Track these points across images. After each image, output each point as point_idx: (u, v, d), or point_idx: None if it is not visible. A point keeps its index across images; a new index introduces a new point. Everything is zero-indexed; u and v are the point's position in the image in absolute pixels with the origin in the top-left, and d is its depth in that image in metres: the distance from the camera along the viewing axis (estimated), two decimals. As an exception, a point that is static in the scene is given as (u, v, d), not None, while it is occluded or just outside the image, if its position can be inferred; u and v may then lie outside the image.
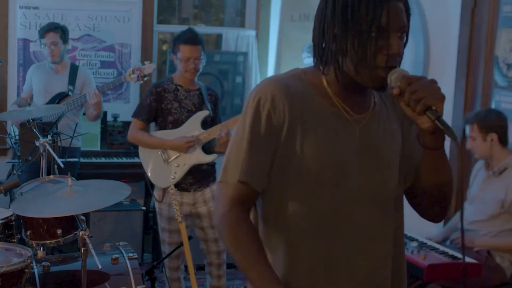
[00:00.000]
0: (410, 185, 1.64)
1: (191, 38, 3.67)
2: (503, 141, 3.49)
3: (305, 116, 1.53)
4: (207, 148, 3.74)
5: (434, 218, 1.67)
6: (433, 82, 1.43)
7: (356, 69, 1.49)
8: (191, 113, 3.68)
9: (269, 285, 1.46)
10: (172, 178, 3.66)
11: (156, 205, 3.79)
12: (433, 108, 1.40)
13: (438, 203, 1.62)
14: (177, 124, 3.68)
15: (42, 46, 4.49)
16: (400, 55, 1.49)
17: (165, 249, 3.75)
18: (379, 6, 1.44)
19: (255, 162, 1.53)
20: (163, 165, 3.70)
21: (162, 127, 3.72)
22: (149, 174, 3.75)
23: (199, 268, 4.68)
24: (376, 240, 1.60)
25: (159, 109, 3.69)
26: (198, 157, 3.67)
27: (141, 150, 3.77)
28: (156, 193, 3.74)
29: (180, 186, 3.67)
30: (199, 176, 3.70)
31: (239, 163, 1.54)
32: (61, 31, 4.49)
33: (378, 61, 1.47)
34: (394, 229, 1.64)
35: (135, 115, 3.76)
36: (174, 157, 3.68)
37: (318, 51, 1.55)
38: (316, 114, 1.54)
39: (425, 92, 1.40)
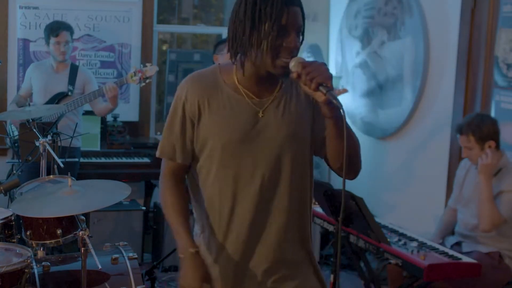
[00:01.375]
0: (325, 153, 1.99)
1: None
2: (498, 145, 3.48)
3: (211, 103, 1.92)
4: None
5: (348, 177, 1.95)
6: (323, 64, 1.79)
7: (263, 60, 1.84)
8: None
9: (180, 236, 1.94)
10: None
11: None
12: (324, 84, 1.75)
13: (350, 164, 1.91)
14: None
15: (53, 44, 4.49)
16: (297, 49, 1.85)
17: None
18: (280, 9, 1.80)
19: (175, 142, 1.97)
20: None
21: None
22: None
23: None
24: (271, 210, 1.95)
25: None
26: None
27: None
28: None
29: None
30: None
31: (165, 143, 1.99)
32: (71, 30, 4.55)
33: (280, 53, 1.83)
34: (292, 198, 1.97)
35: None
36: None
37: (231, 46, 1.89)
38: (221, 100, 1.92)
39: (316, 72, 1.76)
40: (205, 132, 1.93)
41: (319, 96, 1.77)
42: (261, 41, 1.82)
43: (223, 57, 3.73)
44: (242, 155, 1.92)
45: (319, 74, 1.75)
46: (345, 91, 4.17)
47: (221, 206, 1.95)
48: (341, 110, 1.75)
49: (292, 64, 1.80)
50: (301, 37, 1.89)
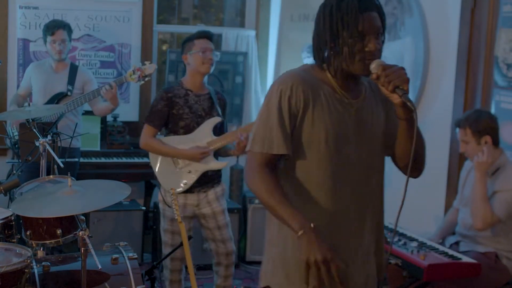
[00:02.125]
0: (393, 152, 2.13)
1: (206, 33, 3.74)
2: (495, 142, 3.47)
3: (315, 100, 2.01)
4: (221, 152, 3.74)
5: (413, 175, 2.08)
6: (401, 68, 1.90)
7: (347, 64, 1.98)
8: (201, 118, 3.68)
9: (292, 216, 1.91)
10: (184, 184, 3.67)
11: (161, 206, 3.79)
12: (400, 87, 1.88)
13: (414, 164, 2.01)
14: (188, 129, 3.67)
15: (49, 43, 4.49)
16: (378, 51, 1.97)
17: (166, 251, 3.73)
18: (355, 17, 1.93)
19: (278, 135, 1.99)
20: (174, 170, 3.69)
21: (173, 132, 3.70)
22: (158, 178, 3.73)
23: (199, 268, 4.70)
24: (367, 197, 2.09)
25: (170, 115, 3.66)
26: (210, 164, 3.68)
27: (151, 154, 3.75)
28: (167, 198, 3.69)
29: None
30: (204, 180, 3.70)
31: (265, 137, 2.00)
32: (68, 29, 4.52)
33: (361, 57, 1.96)
34: (379, 193, 2.14)
35: (147, 121, 3.71)
36: (186, 163, 3.67)
37: (318, 55, 2.05)
38: (324, 98, 2.02)
39: (394, 76, 1.88)
40: (310, 127, 2.00)
41: (395, 98, 1.91)
42: (342, 48, 1.96)
43: (192, 56, 3.68)
44: (343, 150, 2.02)
45: (397, 77, 1.87)
46: None
47: (320, 200, 2.02)
48: (414, 114, 1.89)
49: (373, 66, 1.92)
50: (382, 38, 2.00)
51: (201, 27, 5.81)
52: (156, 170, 3.74)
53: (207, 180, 3.72)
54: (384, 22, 2.01)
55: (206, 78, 3.77)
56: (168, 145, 3.66)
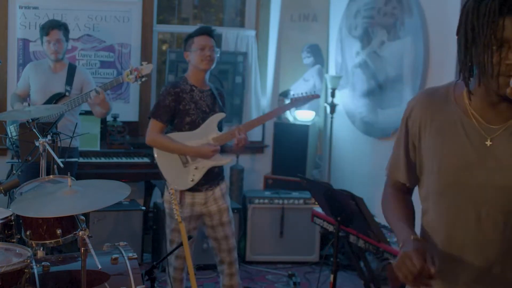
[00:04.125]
0: None
1: (205, 29, 3.73)
2: None
3: (435, 122, 1.76)
4: (222, 149, 3.75)
5: None
6: None
7: (484, 81, 1.63)
8: (205, 114, 3.68)
9: (400, 231, 1.77)
10: (191, 180, 3.66)
11: (166, 205, 3.76)
12: None
13: None
14: (193, 125, 3.66)
15: (45, 43, 4.48)
16: None
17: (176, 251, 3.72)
18: (494, 20, 1.58)
19: (399, 162, 1.87)
20: (181, 167, 3.68)
21: (178, 128, 3.68)
22: (165, 175, 3.70)
23: (199, 268, 4.70)
24: (499, 250, 1.72)
25: (177, 110, 3.65)
26: (216, 160, 3.68)
27: (157, 151, 3.71)
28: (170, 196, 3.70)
29: (192, 187, 3.67)
30: (210, 177, 3.70)
31: (391, 161, 1.93)
32: (64, 28, 4.51)
33: (501, 70, 1.60)
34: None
35: (154, 116, 3.66)
36: (193, 160, 3.67)
37: (461, 66, 1.70)
38: (446, 120, 1.74)
39: None
40: (424, 154, 1.79)
41: None
42: (477, 59, 1.62)
43: (192, 54, 3.68)
44: (461, 184, 1.71)
45: None
46: (316, 96, 3.98)
47: (434, 236, 1.79)
48: None
49: None
50: None
51: (201, 27, 5.82)
52: (163, 167, 3.70)
53: (213, 177, 3.72)
54: None
55: (208, 74, 3.77)
56: (177, 142, 3.64)
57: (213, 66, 3.72)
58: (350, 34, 5.30)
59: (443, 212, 1.76)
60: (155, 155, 3.73)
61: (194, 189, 3.68)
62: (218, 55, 3.74)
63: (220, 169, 3.76)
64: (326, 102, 5.52)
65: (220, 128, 3.76)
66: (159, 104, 3.67)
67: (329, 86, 5.35)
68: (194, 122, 3.66)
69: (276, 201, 5.16)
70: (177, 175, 3.68)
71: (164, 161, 3.70)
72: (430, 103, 1.78)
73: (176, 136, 3.68)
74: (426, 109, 1.78)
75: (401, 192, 1.93)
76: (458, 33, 1.69)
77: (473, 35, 1.62)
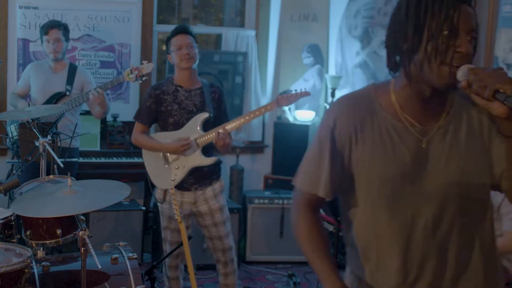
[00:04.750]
0: (499, 186, 1.67)
1: (179, 28, 3.74)
2: None
3: (365, 131, 1.64)
4: (209, 149, 3.73)
5: None
6: (499, 68, 1.50)
7: (426, 66, 1.55)
8: (192, 114, 3.68)
9: (327, 275, 1.68)
10: (172, 180, 3.68)
11: (158, 204, 3.81)
12: (501, 91, 1.45)
13: None
14: (177, 125, 3.68)
15: (44, 43, 4.49)
16: (469, 55, 1.57)
17: (167, 247, 3.77)
18: (452, 7, 1.53)
19: (321, 175, 1.70)
20: (163, 167, 3.72)
21: (163, 128, 3.73)
22: (150, 176, 3.77)
23: (199, 268, 4.70)
24: (448, 255, 1.66)
25: (158, 111, 3.69)
26: (197, 159, 3.68)
27: (144, 152, 3.82)
28: (157, 195, 3.76)
29: (181, 185, 3.68)
30: (200, 177, 3.71)
31: (308, 175, 1.74)
32: (64, 28, 4.51)
33: (447, 58, 1.54)
34: (463, 246, 1.68)
35: (136, 117, 3.78)
36: (174, 159, 3.70)
37: (389, 60, 1.64)
38: (377, 128, 1.64)
39: (491, 78, 1.47)
40: (358, 166, 1.66)
41: (496, 108, 1.48)
42: (426, 43, 1.54)
43: (172, 55, 3.69)
44: (402, 193, 1.63)
45: (495, 78, 1.46)
46: (306, 94, 3.86)
47: (378, 251, 1.69)
48: None
49: (460, 73, 1.53)
50: (474, 43, 1.60)
51: (201, 27, 5.82)
52: (147, 167, 3.79)
53: (204, 176, 3.71)
54: (477, 22, 1.60)
55: (194, 73, 3.74)
56: (154, 140, 3.72)
57: (196, 62, 3.70)
58: (350, 34, 5.30)
59: (384, 225, 1.65)
60: (142, 155, 3.82)
61: (183, 187, 3.69)
62: (196, 51, 3.71)
63: (211, 168, 3.73)
64: (326, 102, 5.52)
65: (214, 127, 3.72)
66: (141, 106, 3.79)
67: (329, 86, 5.34)
68: (177, 123, 3.68)
69: (276, 201, 5.16)
70: (160, 174, 3.73)
71: (148, 161, 3.78)
72: (355, 112, 1.66)
73: (159, 136, 3.74)
74: (353, 119, 1.65)
75: (315, 213, 1.78)
76: (399, 14, 1.60)
77: (425, 17, 1.54)
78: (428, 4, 1.54)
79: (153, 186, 3.83)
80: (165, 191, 3.71)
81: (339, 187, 1.71)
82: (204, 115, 3.69)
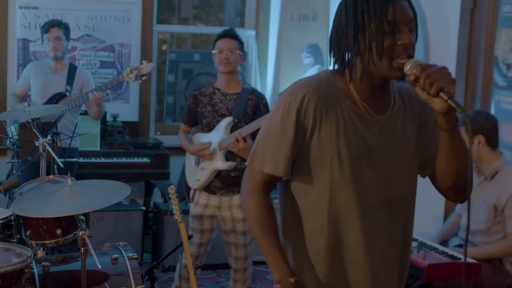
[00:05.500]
0: (433, 172, 1.82)
1: (225, 32, 3.75)
2: (491, 143, 3.42)
3: (329, 114, 1.72)
4: (234, 153, 3.66)
5: (457, 199, 1.84)
6: (445, 68, 1.61)
7: (375, 65, 1.66)
8: (223, 117, 3.66)
9: (276, 262, 1.75)
10: (197, 180, 3.71)
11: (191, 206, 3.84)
12: (445, 90, 1.57)
13: (459, 184, 1.75)
14: (209, 127, 3.69)
15: (45, 41, 4.49)
16: (412, 45, 1.66)
17: (192, 250, 3.69)
18: (384, 3, 1.63)
19: (281, 155, 1.74)
20: (194, 166, 3.78)
21: (202, 129, 3.79)
22: (186, 172, 3.88)
23: (199, 268, 4.69)
24: (385, 236, 1.79)
25: (196, 112, 3.74)
26: (217, 163, 3.66)
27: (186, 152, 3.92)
28: (186, 193, 3.89)
29: (208, 188, 3.69)
30: (227, 182, 3.66)
31: (267, 155, 1.76)
32: (64, 27, 4.52)
33: (394, 52, 1.65)
34: (404, 227, 1.83)
35: (182, 117, 3.88)
36: (202, 160, 3.73)
37: (338, 58, 1.75)
38: (340, 112, 1.73)
39: (438, 76, 1.57)
40: (317, 149, 1.73)
41: (438, 104, 1.59)
42: (370, 43, 1.65)
43: (214, 57, 3.68)
44: (358, 175, 1.74)
45: (441, 77, 1.57)
46: None
47: (329, 231, 1.77)
48: (466, 119, 1.56)
49: (408, 67, 1.63)
50: (415, 34, 1.70)
51: (200, 27, 5.82)
52: (185, 164, 3.90)
53: (231, 182, 3.65)
54: (416, 15, 1.71)
55: (236, 77, 3.73)
56: (185, 140, 3.80)
57: (235, 68, 3.68)
58: (350, 34, 5.30)
59: (340, 205, 1.75)
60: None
61: (210, 190, 3.69)
62: (238, 56, 3.67)
63: (240, 175, 3.55)
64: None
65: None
66: (186, 106, 3.87)
67: (329, 86, 5.33)
68: (209, 124, 3.69)
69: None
70: (190, 172, 3.82)
71: (187, 158, 3.88)
72: (321, 95, 1.73)
73: (195, 136, 3.82)
74: (320, 100, 1.72)
75: (267, 196, 1.83)
76: (340, 18, 1.70)
77: (363, 20, 1.65)
78: (363, 7, 1.65)
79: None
80: (195, 191, 3.77)
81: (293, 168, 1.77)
82: (228, 119, 3.65)
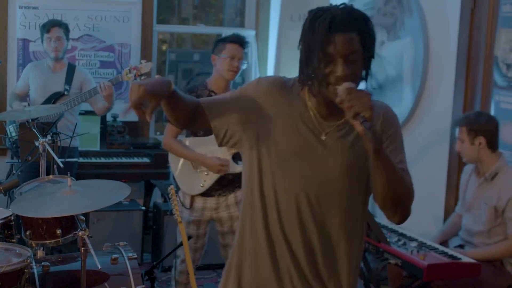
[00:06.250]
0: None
1: (240, 39, 3.66)
2: (491, 145, 3.43)
3: (281, 108, 1.88)
4: (239, 156, 3.64)
5: (391, 219, 1.88)
6: (367, 94, 1.73)
7: (317, 88, 1.81)
8: None
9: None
10: (201, 186, 3.59)
11: (175, 210, 3.73)
12: (361, 114, 1.69)
13: (392, 205, 1.83)
14: (208, 131, 3.60)
15: (45, 41, 4.49)
16: (347, 76, 1.77)
17: (181, 253, 3.64)
18: (326, 38, 1.76)
19: (216, 101, 1.96)
20: (192, 172, 3.62)
21: (194, 133, 3.63)
22: (177, 180, 3.66)
23: (199, 268, 4.69)
24: (325, 239, 1.88)
25: None
26: (228, 166, 3.57)
27: (170, 155, 3.69)
28: (184, 201, 3.64)
29: (205, 192, 3.61)
30: (224, 184, 3.62)
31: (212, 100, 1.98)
32: (65, 27, 4.53)
33: (330, 80, 1.79)
34: (343, 230, 1.89)
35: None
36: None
37: (299, 72, 1.88)
38: (290, 110, 1.88)
39: (357, 101, 1.70)
40: (263, 132, 1.88)
41: (357, 126, 1.71)
42: (313, 70, 1.79)
43: (220, 59, 3.61)
44: (291, 169, 1.86)
45: (359, 103, 1.69)
46: None
47: (261, 214, 1.89)
48: (371, 145, 1.70)
49: (340, 89, 1.76)
50: (360, 58, 1.82)
51: (200, 27, 5.82)
52: (175, 171, 3.67)
53: (228, 183, 3.62)
54: (368, 41, 1.86)
55: (231, 84, 3.69)
56: (188, 148, 3.58)
57: (237, 75, 3.66)
58: (350, 34, 5.30)
59: (271, 193, 1.87)
60: (169, 158, 3.72)
61: (206, 193, 3.61)
62: (244, 68, 3.67)
63: (235, 176, 3.59)
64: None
65: None
66: None
67: (329, 86, 5.34)
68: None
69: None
70: (188, 179, 3.63)
71: (175, 164, 3.67)
72: (281, 88, 1.91)
73: (190, 141, 3.62)
74: (277, 92, 1.90)
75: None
76: (299, 45, 1.87)
77: (309, 50, 1.80)
78: (310, 39, 1.79)
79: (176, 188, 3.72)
80: (193, 197, 3.62)
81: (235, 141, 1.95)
82: None
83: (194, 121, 1.98)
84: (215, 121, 1.95)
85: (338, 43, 1.77)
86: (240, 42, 3.64)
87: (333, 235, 1.88)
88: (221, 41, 3.67)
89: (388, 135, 1.89)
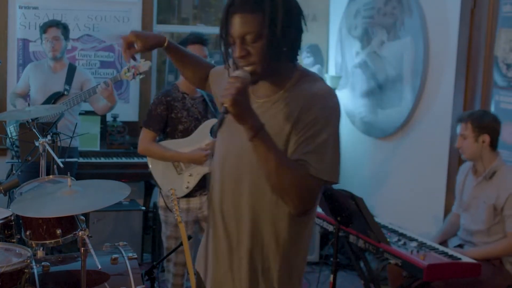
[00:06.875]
0: None
1: (198, 38, 3.73)
2: (494, 144, 3.44)
3: (221, 83, 2.01)
4: None
5: (291, 210, 1.87)
6: (236, 84, 1.72)
7: (234, 68, 1.86)
8: (198, 121, 3.64)
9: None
10: (186, 188, 3.62)
11: (162, 213, 3.72)
12: (225, 104, 1.72)
13: (280, 194, 1.84)
14: (186, 133, 3.63)
15: (44, 41, 4.50)
16: (242, 57, 1.80)
17: (172, 256, 3.68)
18: (225, 20, 1.82)
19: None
20: (175, 175, 3.64)
21: (171, 136, 3.65)
22: (159, 184, 3.67)
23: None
24: (234, 215, 1.96)
25: (169, 119, 3.62)
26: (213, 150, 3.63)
27: (151, 160, 3.68)
28: (167, 202, 3.65)
29: (187, 193, 3.64)
30: (203, 182, 3.66)
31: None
32: (63, 27, 4.52)
33: (236, 61, 1.85)
34: (256, 215, 1.92)
35: (146, 125, 3.63)
36: (187, 167, 3.63)
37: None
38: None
39: (227, 90, 1.72)
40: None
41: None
42: (223, 54, 1.88)
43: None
44: (219, 141, 2.03)
45: (226, 91, 1.73)
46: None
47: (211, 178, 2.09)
48: (248, 134, 1.74)
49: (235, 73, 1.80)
50: (261, 42, 1.80)
51: (200, 27, 5.81)
52: (157, 176, 3.68)
53: (207, 182, 3.67)
54: (276, 19, 1.84)
55: None
56: (171, 150, 3.61)
57: None
58: (350, 34, 5.30)
59: (218, 169, 2.01)
60: (149, 164, 3.69)
61: (189, 194, 3.64)
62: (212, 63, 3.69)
63: None
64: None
65: (212, 134, 3.72)
66: (151, 113, 3.64)
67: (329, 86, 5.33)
68: (187, 130, 3.63)
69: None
70: (172, 183, 3.63)
71: (158, 170, 3.67)
72: (222, 69, 2.06)
73: (169, 143, 3.64)
74: (219, 72, 2.11)
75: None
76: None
77: (220, 33, 1.86)
78: (222, 18, 1.83)
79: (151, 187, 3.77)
80: (177, 199, 3.59)
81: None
82: (213, 121, 3.65)
83: (207, 84, 2.21)
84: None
85: (234, 24, 1.80)
86: (200, 41, 3.72)
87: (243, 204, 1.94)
88: (182, 43, 3.69)
89: (305, 124, 1.83)
